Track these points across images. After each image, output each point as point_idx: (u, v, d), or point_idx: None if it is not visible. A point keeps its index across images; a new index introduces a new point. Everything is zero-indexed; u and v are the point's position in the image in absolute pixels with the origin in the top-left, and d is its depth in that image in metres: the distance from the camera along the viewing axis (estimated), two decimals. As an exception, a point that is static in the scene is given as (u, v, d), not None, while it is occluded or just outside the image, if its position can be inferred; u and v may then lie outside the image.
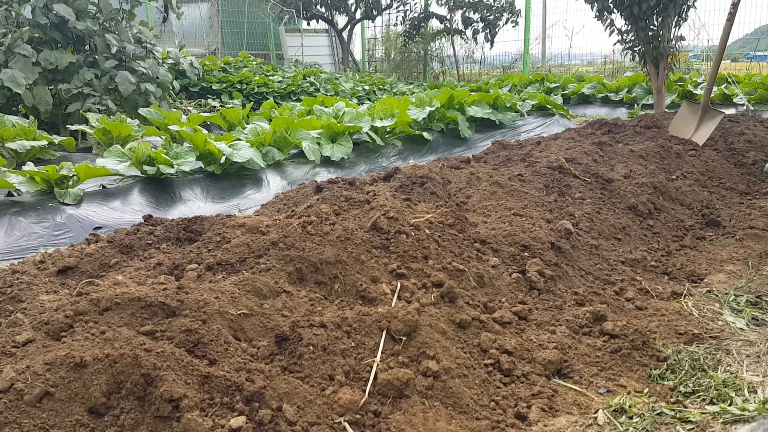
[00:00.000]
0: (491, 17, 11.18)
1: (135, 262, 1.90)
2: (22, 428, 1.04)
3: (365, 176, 3.10)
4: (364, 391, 1.28)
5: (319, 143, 3.99)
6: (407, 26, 12.21)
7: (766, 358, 1.54)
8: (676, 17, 5.60)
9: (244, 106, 6.20)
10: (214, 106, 6.89)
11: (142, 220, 2.37)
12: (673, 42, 5.67)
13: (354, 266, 1.72)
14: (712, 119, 3.69)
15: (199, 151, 3.47)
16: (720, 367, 1.50)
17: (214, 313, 1.38)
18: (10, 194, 2.88)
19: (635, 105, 6.80)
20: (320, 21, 13.32)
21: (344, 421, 1.20)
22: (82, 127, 4.03)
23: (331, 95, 7.30)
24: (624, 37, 5.99)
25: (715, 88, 6.72)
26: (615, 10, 5.88)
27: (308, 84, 7.98)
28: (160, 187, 3.18)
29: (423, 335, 1.43)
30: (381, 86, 8.87)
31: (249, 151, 3.48)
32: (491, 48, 11.67)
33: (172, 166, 3.20)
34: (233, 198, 3.30)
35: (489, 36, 11.40)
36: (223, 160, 3.47)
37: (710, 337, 1.65)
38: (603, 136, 3.92)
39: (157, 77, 5.37)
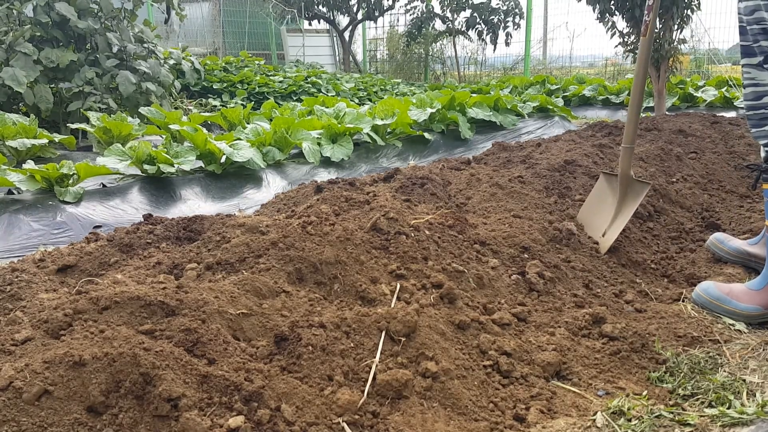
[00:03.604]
0: (494, 20, 11.18)
1: (134, 261, 1.90)
2: (20, 426, 1.04)
3: (365, 177, 3.10)
4: (363, 391, 1.28)
5: (319, 143, 3.99)
6: (409, 27, 12.22)
7: (765, 362, 1.54)
8: (678, 20, 5.60)
9: (244, 106, 6.20)
10: (215, 106, 6.90)
11: (142, 219, 2.37)
12: (675, 44, 5.67)
13: (353, 267, 1.72)
14: (634, 199, 2.22)
15: (199, 150, 3.47)
16: (719, 369, 1.50)
17: (214, 312, 1.38)
18: (10, 192, 2.89)
19: (636, 107, 6.79)
20: (322, 21, 13.33)
21: (343, 421, 1.20)
22: (82, 125, 4.03)
23: (332, 96, 7.30)
24: (625, 40, 5.99)
25: (715, 92, 6.72)
26: (617, 12, 5.88)
27: (309, 84, 7.98)
28: (160, 186, 3.18)
29: (422, 336, 1.43)
30: (382, 87, 8.87)
31: (249, 150, 3.48)
32: (494, 50, 11.68)
33: (172, 165, 3.20)
34: (233, 197, 3.30)
35: (492, 39, 11.40)
36: (223, 159, 3.48)
37: (710, 340, 1.65)
38: (603, 138, 3.92)
39: (158, 77, 5.38)
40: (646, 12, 2.14)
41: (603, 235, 2.28)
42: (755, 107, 1.76)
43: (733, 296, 1.80)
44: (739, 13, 1.75)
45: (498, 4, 11.26)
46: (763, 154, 1.81)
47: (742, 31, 1.75)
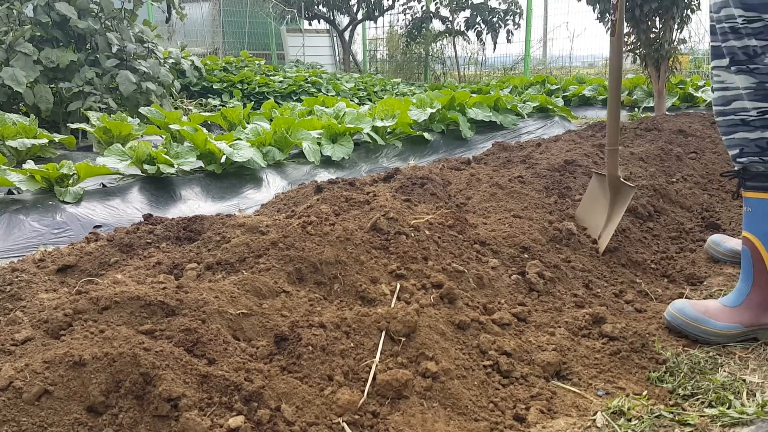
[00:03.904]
0: (494, 19, 11.18)
1: (135, 260, 1.90)
2: (20, 426, 1.04)
3: (365, 177, 3.10)
4: (363, 391, 1.28)
5: (319, 143, 3.99)
6: (409, 27, 12.22)
7: (765, 362, 1.54)
8: (678, 20, 5.60)
9: (244, 105, 6.21)
10: (215, 106, 6.90)
11: (142, 219, 2.37)
12: (675, 44, 5.67)
13: (353, 267, 1.72)
14: (623, 202, 2.20)
15: (199, 150, 3.47)
16: (719, 369, 1.50)
17: (214, 312, 1.38)
18: (10, 192, 2.89)
19: (636, 107, 6.80)
20: (322, 21, 13.34)
21: (343, 421, 1.20)
22: (82, 125, 4.03)
23: (332, 95, 7.30)
24: (625, 40, 5.98)
25: (716, 91, 6.70)
26: (616, 12, 5.87)
27: (309, 84, 7.98)
28: (160, 186, 3.18)
29: (422, 336, 1.43)
30: (382, 87, 8.87)
31: (249, 150, 3.48)
32: (494, 50, 11.68)
33: (172, 165, 3.20)
34: (233, 197, 3.30)
35: (493, 37, 11.40)
36: (223, 159, 3.48)
37: (709, 340, 1.65)
38: (603, 138, 3.92)
39: (158, 77, 5.38)
40: (611, 11, 2.05)
41: (599, 238, 2.27)
42: (724, 113, 1.62)
43: (709, 315, 1.63)
44: (710, 12, 1.63)
45: (497, 3, 11.26)
46: (736, 166, 1.66)
47: (713, 31, 1.63)
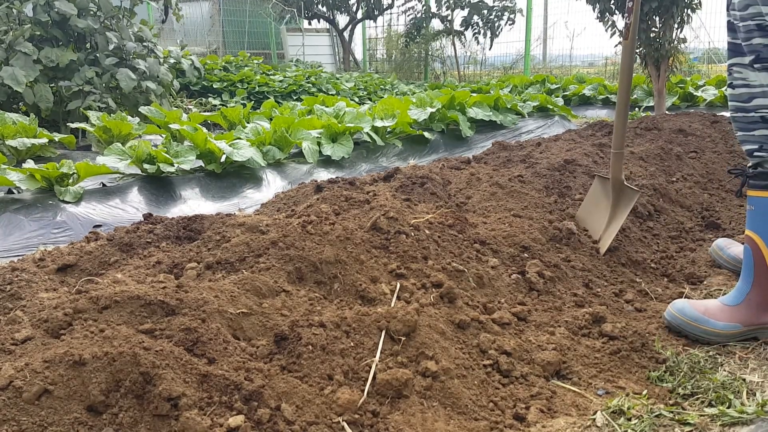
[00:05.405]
0: (492, 17, 11.19)
1: (134, 260, 1.90)
2: (20, 426, 1.04)
3: (365, 176, 3.10)
4: (363, 390, 1.28)
5: (319, 143, 3.99)
6: (408, 26, 12.22)
7: (765, 361, 1.55)
8: (678, 19, 5.59)
9: (244, 105, 6.20)
10: (215, 105, 6.90)
11: (142, 219, 2.37)
12: (675, 44, 5.66)
13: (353, 266, 1.72)
14: (626, 205, 2.19)
15: (199, 149, 3.47)
16: (719, 369, 1.50)
17: (214, 311, 1.38)
18: (10, 191, 2.89)
19: (636, 107, 6.80)
20: (321, 20, 13.34)
21: (343, 420, 1.20)
22: (82, 125, 4.03)
23: (332, 95, 7.30)
24: (626, 39, 5.96)
25: (715, 91, 6.71)
26: (617, 12, 5.87)
27: (309, 84, 7.98)
28: (160, 185, 3.18)
29: (422, 335, 1.43)
30: (382, 86, 8.87)
31: (249, 150, 3.48)
32: (490, 48, 11.69)
33: (172, 164, 3.20)
34: (233, 197, 3.30)
35: (490, 36, 11.42)
36: (223, 158, 3.48)
37: (709, 339, 1.65)
38: (603, 137, 3.92)
39: (158, 76, 5.38)
40: (626, 14, 2.03)
41: (599, 240, 2.27)
42: (745, 109, 1.62)
43: (709, 315, 1.64)
44: (732, 9, 1.62)
45: (495, 2, 11.27)
46: (752, 161, 1.67)
47: (731, 28, 1.63)
